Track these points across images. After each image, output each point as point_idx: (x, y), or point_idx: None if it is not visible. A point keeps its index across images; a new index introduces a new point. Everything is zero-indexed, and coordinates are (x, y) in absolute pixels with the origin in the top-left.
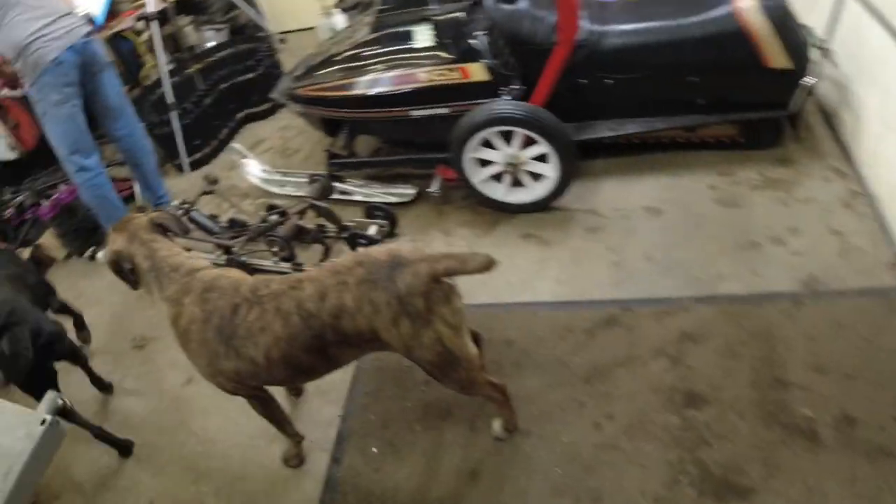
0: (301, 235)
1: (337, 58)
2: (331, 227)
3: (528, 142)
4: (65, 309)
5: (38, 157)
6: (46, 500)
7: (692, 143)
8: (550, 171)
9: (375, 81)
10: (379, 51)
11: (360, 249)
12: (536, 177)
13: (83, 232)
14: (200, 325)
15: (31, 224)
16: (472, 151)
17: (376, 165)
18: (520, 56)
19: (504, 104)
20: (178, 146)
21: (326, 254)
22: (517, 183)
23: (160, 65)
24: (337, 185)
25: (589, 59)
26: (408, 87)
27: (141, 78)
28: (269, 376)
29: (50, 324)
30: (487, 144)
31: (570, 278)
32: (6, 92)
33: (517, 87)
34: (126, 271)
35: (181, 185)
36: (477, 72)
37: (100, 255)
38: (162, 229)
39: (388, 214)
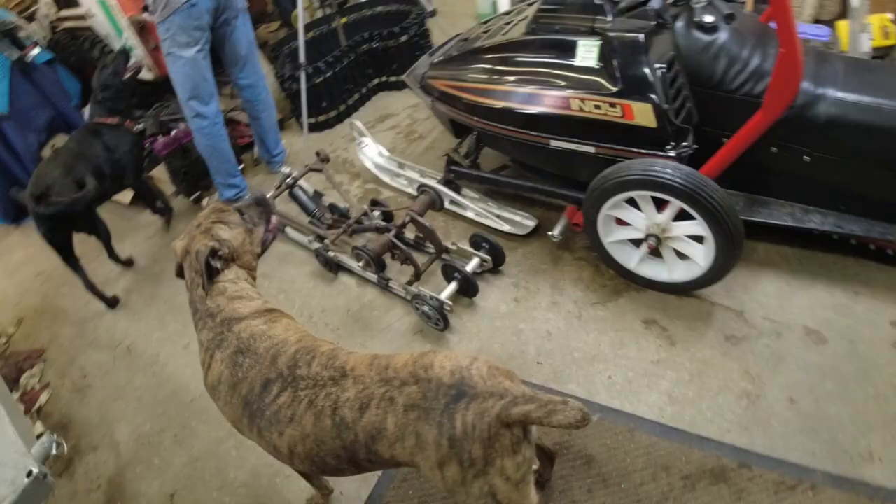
0: (392, 251)
1: (484, 55)
2: (429, 248)
3: (684, 213)
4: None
5: (170, 85)
6: (85, 447)
7: (884, 253)
8: (701, 257)
9: (518, 95)
10: (530, 59)
11: (425, 356)
12: (682, 255)
13: (194, 175)
14: (228, 389)
15: (147, 154)
16: (612, 208)
17: (499, 185)
18: (700, 101)
19: (667, 166)
20: (301, 107)
21: (417, 277)
22: (656, 253)
23: (298, 19)
24: (450, 193)
25: (790, 123)
26: (553, 112)
27: (292, 18)
28: (291, 464)
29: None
30: (632, 202)
31: (687, 398)
32: (146, 15)
33: (688, 145)
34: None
35: (299, 145)
36: (642, 114)
37: (205, 201)
38: (223, 261)
39: (494, 249)
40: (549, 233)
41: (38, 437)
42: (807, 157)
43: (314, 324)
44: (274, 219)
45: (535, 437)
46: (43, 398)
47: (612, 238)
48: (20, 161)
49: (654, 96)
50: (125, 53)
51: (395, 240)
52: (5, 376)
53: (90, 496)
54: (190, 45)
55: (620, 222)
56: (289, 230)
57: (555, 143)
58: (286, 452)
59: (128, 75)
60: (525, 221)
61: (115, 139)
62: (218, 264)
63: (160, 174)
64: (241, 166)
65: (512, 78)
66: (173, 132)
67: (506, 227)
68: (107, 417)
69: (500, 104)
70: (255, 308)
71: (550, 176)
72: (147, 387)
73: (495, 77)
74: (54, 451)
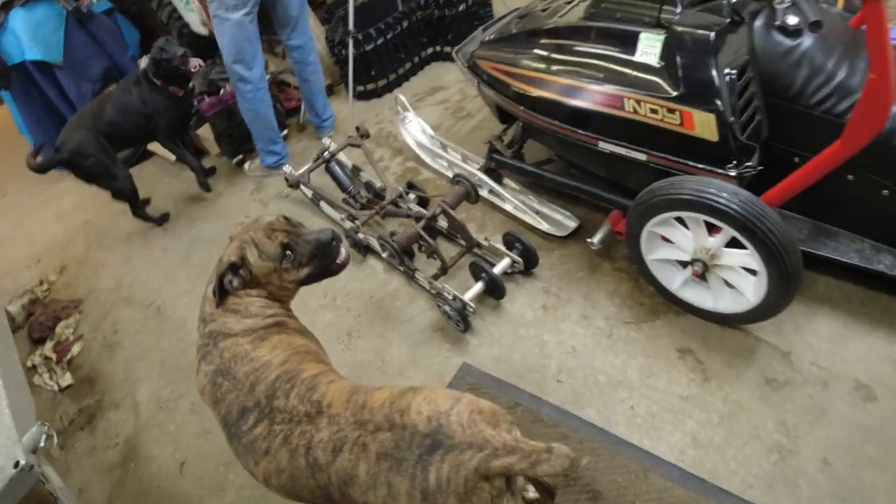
0: (419, 243)
1: (536, 39)
2: (460, 242)
3: (737, 240)
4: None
5: None
6: (108, 403)
7: None
8: (752, 291)
9: (568, 88)
10: (584, 48)
11: (404, 397)
12: (731, 284)
13: (237, 138)
14: (210, 402)
15: (194, 112)
16: (657, 225)
17: (541, 179)
18: (772, 113)
19: (724, 189)
20: (348, 77)
21: (444, 272)
22: (702, 277)
23: None
24: (490, 182)
25: (872, 151)
26: (604, 111)
27: None
28: (269, 489)
29: (101, 167)
30: (680, 220)
31: (713, 443)
32: None
33: (751, 166)
34: None
35: (344, 114)
36: (704, 125)
37: (245, 165)
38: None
39: (527, 251)
40: (589, 240)
41: (65, 389)
42: (886, 191)
43: (337, 307)
44: (342, 256)
45: (521, 486)
46: (75, 349)
47: (654, 256)
48: (74, 110)
49: (719, 105)
50: (187, 54)
51: (422, 232)
52: (42, 323)
53: (107, 453)
54: (237, 8)
55: (666, 239)
56: (323, 205)
57: (603, 145)
58: (262, 481)
59: (183, 69)
60: (566, 222)
61: (151, 95)
62: (235, 282)
63: (206, 134)
64: (285, 132)
65: (563, 68)
66: (221, 92)
67: (544, 226)
68: (131, 376)
69: (548, 96)
70: (247, 326)
71: (597, 177)
72: (171, 350)
73: (545, 66)
74: (43, 443)
